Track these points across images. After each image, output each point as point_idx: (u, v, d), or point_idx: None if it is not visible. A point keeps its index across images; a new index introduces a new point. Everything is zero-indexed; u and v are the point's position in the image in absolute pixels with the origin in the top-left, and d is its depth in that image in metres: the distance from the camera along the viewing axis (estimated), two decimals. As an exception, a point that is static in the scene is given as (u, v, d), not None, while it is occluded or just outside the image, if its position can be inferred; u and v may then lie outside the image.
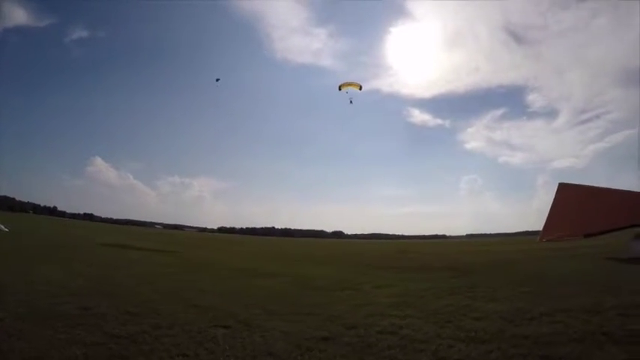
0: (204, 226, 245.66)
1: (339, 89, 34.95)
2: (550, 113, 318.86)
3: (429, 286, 14.09)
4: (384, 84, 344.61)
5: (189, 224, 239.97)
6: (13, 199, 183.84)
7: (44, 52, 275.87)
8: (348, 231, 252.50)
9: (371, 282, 15.67)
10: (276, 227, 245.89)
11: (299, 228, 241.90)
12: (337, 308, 10.00)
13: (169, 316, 8.64)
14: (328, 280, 16.91)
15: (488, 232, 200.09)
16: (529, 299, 10.40)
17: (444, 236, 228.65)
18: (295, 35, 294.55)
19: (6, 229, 37.20)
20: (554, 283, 13.37)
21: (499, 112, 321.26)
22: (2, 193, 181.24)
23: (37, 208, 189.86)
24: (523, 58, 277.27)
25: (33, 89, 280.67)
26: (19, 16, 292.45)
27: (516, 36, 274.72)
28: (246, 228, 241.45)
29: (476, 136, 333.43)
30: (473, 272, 18.78)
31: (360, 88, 36.09)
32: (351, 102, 37.10)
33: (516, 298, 10.60)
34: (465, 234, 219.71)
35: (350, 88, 35.34)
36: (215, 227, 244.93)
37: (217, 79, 49.39)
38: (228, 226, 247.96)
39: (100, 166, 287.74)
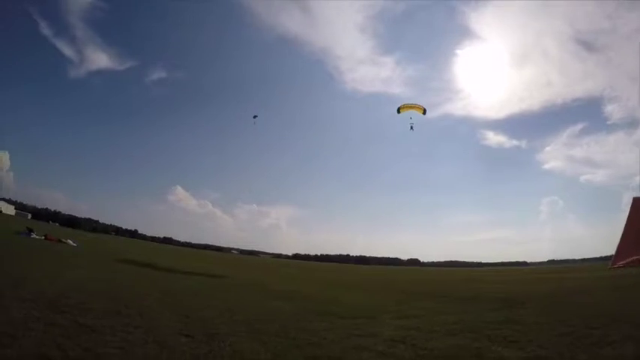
0: (279, 252, 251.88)
1: (398, 112, 31.53)
2: (631, 123, 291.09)
3: (454, 319, 12.39)
4: (456, 108, 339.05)
5: (264, 250, 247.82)
6: (97, 221, 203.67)
7: (127, 91, 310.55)
8: (423, 258, 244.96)
9: (397, 312, 14.55)
10: (351, 255, 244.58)
11: (374, 255, 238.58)
12: (327, 336, 9.16)
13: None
14: (351, 306, 16.05)
15: (572, 258, 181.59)
16: (565, 342, 8.42)
17: (524, 263, 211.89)
18: (363, 65, 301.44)
19: (74, 244, 40.53)
20: (610, 321, 10.67)
21: (577, 127, 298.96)
22: (87, 215, 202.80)
23: (119, 230, 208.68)
24: (595, 66, 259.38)
25: (119, 125, 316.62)
26: (102, 61, 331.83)
27: (586, 44, 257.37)
28: (321, 255, 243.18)
29: (554, 154, 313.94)
30: (521, 304, 16.18)
31: (425, 112, 32.28)
32: (412, 128, 32.80)
33: (548, 342, 8.58)
34: (546, 260, 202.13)
35: (412, 112, 31.81)
36: (290, 254, 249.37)
37: (255, 116, 49.50)
38: (302, 253, 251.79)
39: (180, 194, 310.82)
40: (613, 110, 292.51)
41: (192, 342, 7.63)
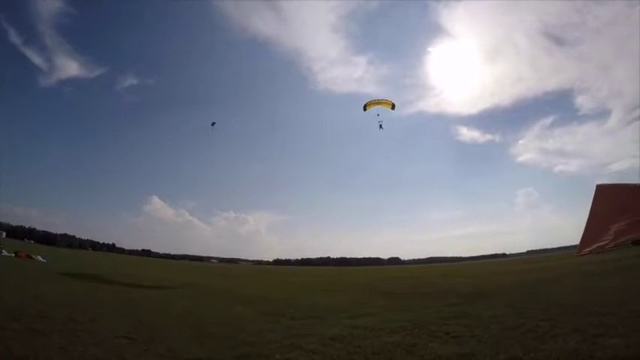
0: (259, 259, 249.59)
1: (364, 109, 29.14)
2: (601, 114, 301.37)
3: (408, 317, 11.95)
4: (429, 105, 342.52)
5: (244, 257, 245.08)
6: (73, 236, 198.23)
7: (97, 99, 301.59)
8: (404, 257, 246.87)
9: (354, 311, 14.13)
10: (331, 257, 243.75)
11: (355, 257, 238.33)
12: (267, 337, 9.33)
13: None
14: (309, 308, 15.76)
15: (550, 247, 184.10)
16: (508, 337, 7.96)
17: (503, 255, 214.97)
18: (336, 66, 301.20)
19: (44, 260, 40.03)
20: (565, 312, 10.19)
21: (548, 119, 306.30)
22: (63, 231, 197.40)
23: (96, 245, 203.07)
24: (566, 60, 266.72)
25: (87, 135, 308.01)
26: (72, 69, 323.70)
27: (555, 38, 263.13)
28: (302, 259, 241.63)
29: (528, 147, 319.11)
30: (486, 297, 15.82)
31: (393, 107, 29.52)
32: (381, 127, 30.46)
33: (491, 337, 8.09)
34: (525, 250, 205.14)
35: (380, 108, 29.36)
36: (270, 259, 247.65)
37: (213, 123, 47.74)
38: (283, 258, 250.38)
39: (156, 204, 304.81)
40: (583, 102, 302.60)
41: (131, 343, 8.03)
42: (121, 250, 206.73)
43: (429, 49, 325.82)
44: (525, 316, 10.10)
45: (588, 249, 21.09)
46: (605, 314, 8.84)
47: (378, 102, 29.21)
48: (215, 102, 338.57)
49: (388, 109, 29.49)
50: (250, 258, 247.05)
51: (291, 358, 7.40)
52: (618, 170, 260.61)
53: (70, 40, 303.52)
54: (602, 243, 19.83)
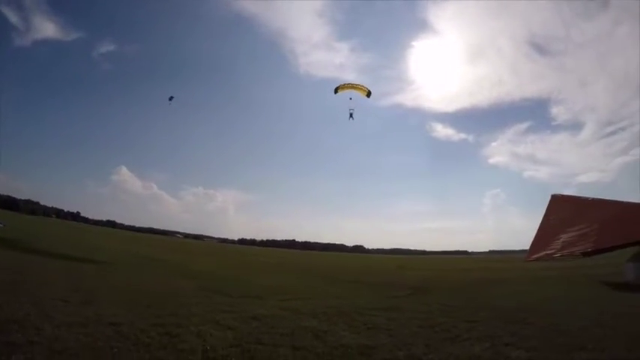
0: (225, 237, 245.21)
1: (335, 92, 26.27)
2: (575, 126, 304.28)
3: (335, 303, 12.08)
4: (407, 98, 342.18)
5: (210, 235, 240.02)
6: (37, 202, 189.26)
7: (72, 64, 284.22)
8: (369, 245, 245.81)
9: (290, 294, 14.23)
10: (297, 240, 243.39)
11: (319, 241, 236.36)
12: (193, 310, 9.53)
13: None
14: (251, 287, 15.96)
15: (511, 249, 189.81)
16: (420, 334, 7.81)
17: (465, 252, 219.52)
18: (318, 50, 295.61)
19: (1, 224, 40.02)
20: (491, 317, 10.26)
21: (523, 125, 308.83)
22: (26, 197, 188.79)
23: (60, 213, 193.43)
24: (546, 69, 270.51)
25: (61, 99, 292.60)
26: (48, 30, 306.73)
27: (539, 48, 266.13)
28: (267, 240, 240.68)
29: (500, 150, 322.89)
30: (426, 292, 16.26)
31: (369, 95, 27.21)
32: (351, 116, 27.30)
33: (403, 332, 7.99)
34: (487, 250, 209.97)
35: (354, 93, 26.55)
36: (236, 239, 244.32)
37: (171, 98, 45.86)
38: (249, 237, 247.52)
39: (124, 175, 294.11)
40: (559, 112, 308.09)
41: (66, 305, 8.52)
42: (85, 220, 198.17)
43: (413, 43, 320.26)
44: (451, 315, 9.95)
45: (536, 256, 21.48)
46: (528, 324, 8.72)
47: (352, 86, 26.59)
48: (193, 76, 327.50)
49: (363, 95, 26.93)
50: (216, 235, 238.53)
51: (203, 330, 7.40)
52: (585, 182, 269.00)
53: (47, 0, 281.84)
54: (549, 251, 20.19)
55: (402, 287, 18.19)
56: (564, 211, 21.24)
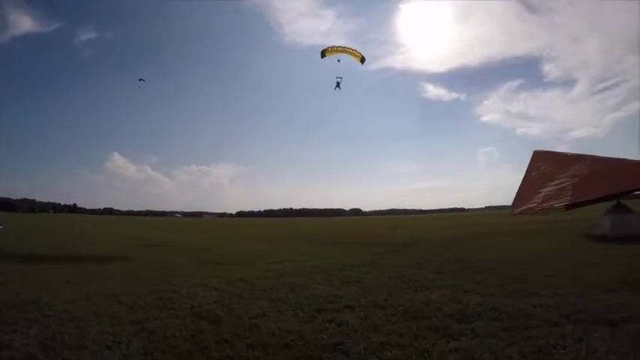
0: (223, 211, 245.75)
1: (322, 56, 23.20)
2: (567, 83, 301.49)
3: (320, 262, 12.87)
4: (397, 61, 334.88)
5: (209, 211, 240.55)
6: (33, 200, 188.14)
7: (54, 55, 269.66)
8: (366, 208, 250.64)
9: (278, 258, 14.60)
10: (294, 208, 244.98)
11: (317, 207, 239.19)
12: (186, 279, 10.19)
13: None
14: (239, 255, 16.35)
15: (507, 204, 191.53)
16: (390, 284, 8.60)
17: (462, 209, 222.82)
18: (303, 18, 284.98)
19: (1, 226, 39.73)
20: (462, 268, 10.92)
21: (515, 83, 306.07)
22: (22, 196, 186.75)
23: (57, 207, 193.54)
24: (537, 27, 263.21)
25: (44, 93, 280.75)
26: (25, 24, 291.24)
27: (529, 5, 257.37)
28: (264, 210, 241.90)
29: (492, 108, 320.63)
30: (411, 248, 17.00)
31: (363, 61, 24.18)
32: (338, 85, 24.41)
33: (374, 283, 8.86)
34: (483, 206, 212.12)
35: (345, 58, 23.48)
36: (234, 212, 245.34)
37: (140, 79, 45.02)
38: (247, 210, 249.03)
39: (117, 161, 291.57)
40: (550, 69, 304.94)
41: (73, 287, 9.33)
42: (82, 210, 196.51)
43: (400, 5, 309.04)
44: (424, 268, 10.70)
45: (518, 210, 22.13)
46: (495, 273, 9.39)
47: (343, 50, 23.40)
48: (177, 54, 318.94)
49: (356, 60, 23.90)
50: (214, 211, 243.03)
51: (194, 293, 8.29)
52: (578, 137, 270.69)
53: None
54: (531, 205, 20.78)
55: (387, 245, 18.82)
56: (545, 167, 21.72)
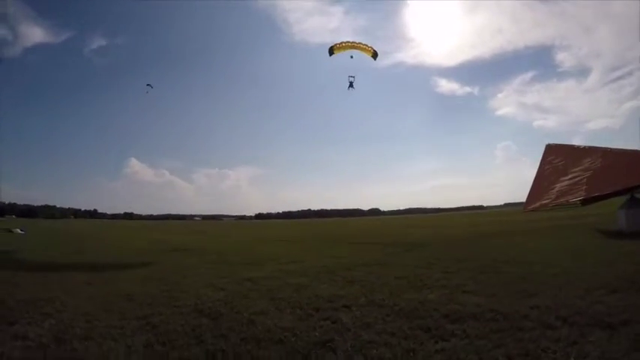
0: (242, 214, 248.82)
1: (331, 54, 22.37)
2: (581, 72, 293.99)
3: (328, 262, 13.05)
4: (408, 56, 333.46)
5: (227, 213, 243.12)
6: (54, 206, 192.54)
7: (66, 65, 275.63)
8: (384, 208, 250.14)
9: (292, 258, 14.92)
10: (312, 209, 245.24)
11: (336, 208, 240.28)
12: (195, 279, 10.56)
13: None
14: (253, 257, 16.43)
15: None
16: (392, 284, 8.68)
17: (480, 207, 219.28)
18: (312, 16, 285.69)
19: (22, 232, 40.95)
20: (465, 267, 11.02)
21: (528, 74, 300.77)
22: (43, 202, 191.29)
23: (77, 213, 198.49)
24: (548, 16, 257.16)
25: (61, 103, 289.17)
26: (37, 35, 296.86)
27: None
28: (283, 212, 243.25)
29: (506, 101, 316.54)
30: (420, 248, 16.86)
31: (375, 56, 23.05)
32: (351, 85, 23.54)
33: (376, 283, 8.92)
34: (502, 203, 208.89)
35: (354, 53, 22.38)
36: (252, 214, 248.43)
37: (148, 85, 45.12)
38: (265, 212, 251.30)
39: (136, 166, 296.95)
40: (564, 59, 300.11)
41: (89, 286, 9.95)
42: (103, 215, 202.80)
43: (408, 0, 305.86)
44: (431, 268, 10.71)
45: (532, 206, 21.75)
46: (500, 273, 9.35)
47: (353, 45, 22.39)
48: (189, 59, 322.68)
49: (368, 56, 22.95)
50: (233, 213, 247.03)
51: (203, 293, 8.60)
52: (594, 129, 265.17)
53: (32, 5, 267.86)
54: (545, 201, 20.39)
55: (400, 245, 18.78)
56: (558, 161, 21.30)
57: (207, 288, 9.16)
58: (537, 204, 21.33)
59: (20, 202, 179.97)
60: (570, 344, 4.49)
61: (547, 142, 23.29)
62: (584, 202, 19.72)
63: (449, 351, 4.52)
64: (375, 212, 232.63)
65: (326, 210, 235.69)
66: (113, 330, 5.89)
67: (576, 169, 19.44)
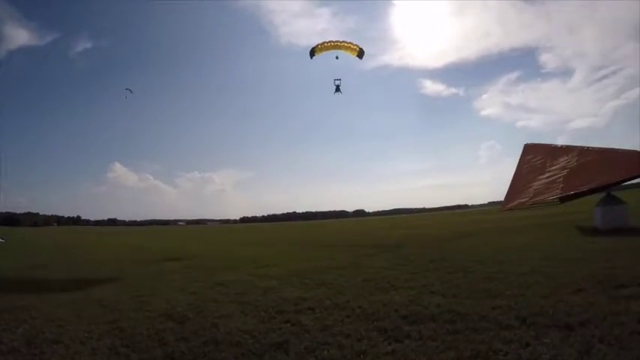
0: (227, 218, 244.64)
1: (312, 55, 21.34)
2: (565, 73, 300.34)
3: (301, 267, 12.78)
4: (394, 58, 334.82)
5: (212, 218, 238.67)
6: (37, 214, 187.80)
7: (51, 67, 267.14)
8: (369, 209, 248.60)
9: (266, 262, 14.78)
10: (297, 212, 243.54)
11: (320, 210, 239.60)
12: (169, 283, 10.87)
13: None
14: (230, 261, 16.47)
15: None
16: (360, 285, 8.75)
17: (465, 206, 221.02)
18: (298, 18, 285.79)
19: (2, 240, 40.29)
20: (435, 267, 11.06)
21: (513, 75, 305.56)
22: (26, 210, 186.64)
23: (60, 220, 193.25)
24: (533, 18, 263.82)
25: (44, 105, 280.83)
26: (22, 37, 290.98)
27: None
28: (268, 215, 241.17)
29: (491, 101, 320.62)
30: (397, 249, 16.68)
31: (361, 55, 21.83)
32: (338, 89, 22.74)
33: (344, 285, 8.97)
34: (487, 202, 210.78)
35: (340, 54, 21.29)
36: (237, 218, 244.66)
37: (127, 89, 44.61)
38: (250, 215, 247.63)
39: (119, 171, 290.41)
40: (548, 60, 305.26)
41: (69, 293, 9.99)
42: (86, 222, 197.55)
43: (394, 1, 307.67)
44: (400, 269, 10.66)
45: (510, 205, 21.98)
46: (469, 272, 9.28)
47: (336, 45, 21.06)
48: (173, 61, 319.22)
49: (353, 55, 21.68)
50: (218, 218, 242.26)
51: (174, 297, 8.76)
52: (578, 128, 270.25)
53: (17, 5, 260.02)
54: (522, 200, 20.60)
55: (377, 246, 18.72)
56: (536, 160, 21.53)
57: (179, 293, 9.26)
58: (515, 202, 21.54)
59: (2, 209, 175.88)
60: (523, 346, 4.40)
61: (531, 142, 23.54)
62: (562, 200, 19.89)
63: (399, 353, 4.48)
64: (360, 214, 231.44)
65: (311, 212, 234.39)
66: (82, 334, 6.15)
67: (553, 167, 19.69)
